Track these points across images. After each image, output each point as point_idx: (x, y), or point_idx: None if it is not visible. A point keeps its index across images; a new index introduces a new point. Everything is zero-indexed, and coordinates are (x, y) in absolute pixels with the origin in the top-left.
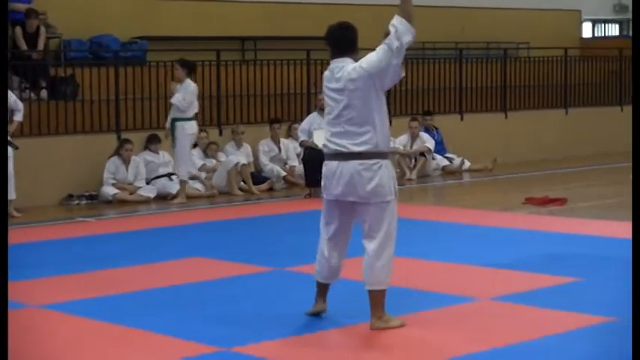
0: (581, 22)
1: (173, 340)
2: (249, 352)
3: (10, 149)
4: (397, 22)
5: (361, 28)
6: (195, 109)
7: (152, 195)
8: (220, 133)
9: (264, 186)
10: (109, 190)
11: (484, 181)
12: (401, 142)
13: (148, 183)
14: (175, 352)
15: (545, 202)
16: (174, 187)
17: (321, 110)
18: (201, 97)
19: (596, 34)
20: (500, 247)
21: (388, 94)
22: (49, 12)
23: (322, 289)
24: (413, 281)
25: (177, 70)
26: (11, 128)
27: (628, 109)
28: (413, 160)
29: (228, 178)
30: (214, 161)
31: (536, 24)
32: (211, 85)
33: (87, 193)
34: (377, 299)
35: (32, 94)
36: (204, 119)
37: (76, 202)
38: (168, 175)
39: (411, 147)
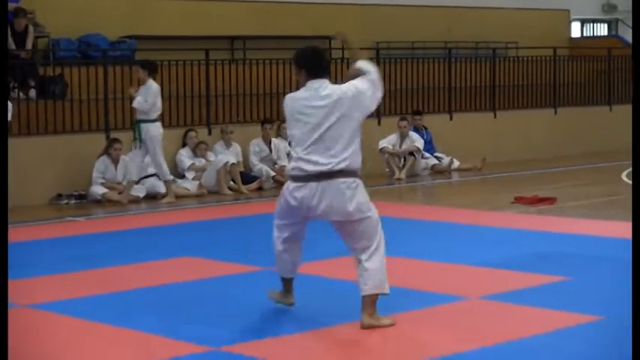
0: (570, 22)
1: (163, 340)
2: (239, 352)
3: None
4: (376, 79)
5: (348, 27)
6: (158, 110)
7: (141, 194)
8: (209, 133)
9: (254, 185)
10: (98, 190)
11: (473, 181)
12: (390, 141)
13: (137, 183)
14: (165, 352)
15: (534, 201)
16: (163, 186)
17: None
18: (190, 97)
19: (584, 34)
20: (489, 247)
21: None
22: (37, 11)
23: (288, 283)
24: (402, 280)
25: (139, 72)
26: None
27: (616, 109)
28: (402, 160)
29: (218, 178)
30: (203, 161)
31: (524, 24)
32: (200, 84)
33: (76, 193)
34: (372, 300)
35: (21, 94)
36: (193, 119)
37: (65, 201)
38: (157, 175)
39: (400, 146)
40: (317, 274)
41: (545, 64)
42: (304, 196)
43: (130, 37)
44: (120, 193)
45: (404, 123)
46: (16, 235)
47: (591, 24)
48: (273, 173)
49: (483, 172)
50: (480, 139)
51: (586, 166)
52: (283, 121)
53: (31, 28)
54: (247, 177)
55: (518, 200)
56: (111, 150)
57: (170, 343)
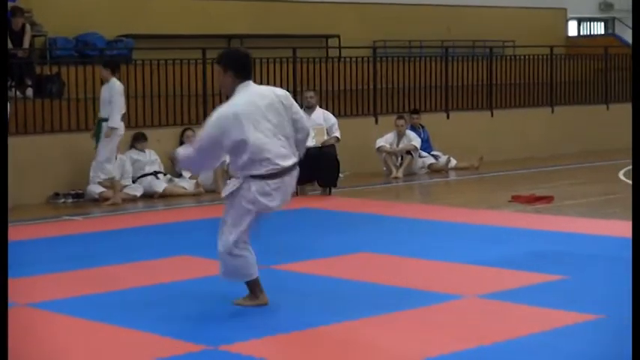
0: (567, 21)
1: (160, 339)
2: (237, 351)
3: None
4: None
5: (346, 26)
6: (122, 109)
7: (138, 193)
8: None
9: None
10: (96, 189)
11: (470, 179)
12: (387, 140)
13: (134, 181)
14: (163, 351)
15: (532, 200)
16: (160, 185)
17: (307, 108)
18: (187, 96)
19: (581, 33)
20: (486, 245)
21: (374, 91)
22: (34, 10)
23: (257, 282)
24: (400, 279)
25: (101, 71)
26: None
27: (613, 107)
28: (399, 159)
29: (215, 177)
30: None
31: (521, 22)
32: (197, 83)
33: (73, 192)
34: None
35: (18, 93)
36: (190, 118)
37: (63, 200)
38: (155, 174)
39: (398, 145)
40: (313, 273)
41: (542, 63)
42: (284, 185)
43: (126, 36)
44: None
45: (401, 122)
46: (13, 234)
47: (588, 22)
48: None
49: (480, 171)
50: (477, 137)
51: (583, 164)
52: None
53: (28, 27)
54: None
55: (516, 199)
56: None
57: (168, 342)
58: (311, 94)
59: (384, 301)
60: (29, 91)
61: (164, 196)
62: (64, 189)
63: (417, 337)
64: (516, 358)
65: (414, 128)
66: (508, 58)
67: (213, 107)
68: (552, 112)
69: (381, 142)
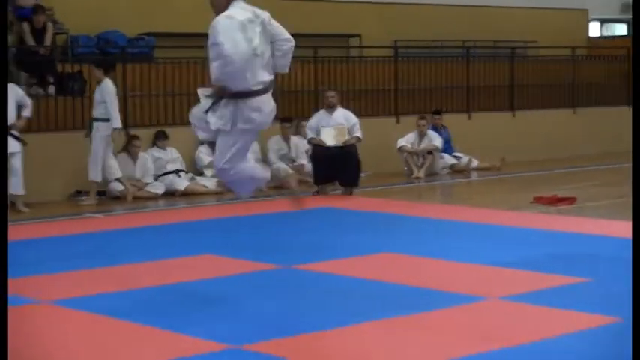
0: (589, 22)
1: (183, 337)
2: (259, 350)
3: (18, 145)
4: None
5: (367, 26)
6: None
7: (160, 192)
8: None
9: (272, 183)
10: (117, 187)
11: (492, 180)
12: (408, 140)
13: (155, 179)
14: (186, 349)
15: (554, 201)
16: (182, 183)
17: (329, 108)
18: None
19: (603, 34)
20: (508, 247)
21: (396, 91)
22: (56, 8)
23: None
24: (421, 280)
25: (94, 71)
26: (20, 124)
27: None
28: (421, 159)
29: None
30: None
31: (543, 23)
32: None
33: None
34: None
35: (40, 90)
36: None
37: (84, 198)
38: (176, 172)
39: (419, 145)
40: (335, 273)
41: (563, 64)
42: (262, 102)
43: (148, 34)
44: (139, 190)
45: (423, 122)
46: (35, 231)
47: (610, 24)
48: (291, 171)
49: (502, 172)
50: (498, 138)
51: (605, 166)
52: (302, 119)
53: (50, 25)
54: None
55: (538, 200)
56: (130, 147)
57: (191, 340)
58: (332, 93)
59: (406, 301)
60: (51, 89)
61: (185, 194)
62: (85, 187)
63: (439, 338)
64: None
65: (435, 129)
66: (530, 58)
67: None
68: (574, 113)
69: (402, 142)
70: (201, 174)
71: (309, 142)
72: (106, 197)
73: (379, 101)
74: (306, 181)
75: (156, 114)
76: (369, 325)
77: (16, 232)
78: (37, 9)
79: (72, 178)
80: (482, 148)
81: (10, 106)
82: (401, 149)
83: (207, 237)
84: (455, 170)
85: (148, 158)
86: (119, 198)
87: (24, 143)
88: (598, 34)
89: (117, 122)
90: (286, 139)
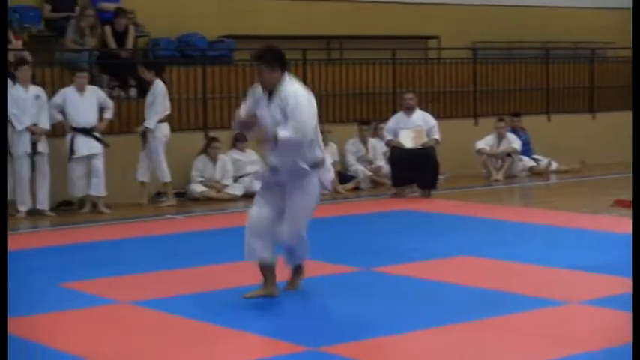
0: None
1: (262, 339)
2: (337, 352)
3: (100, 147)
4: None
5: (444, 27)
6: (166, 110)
7: (239, 193)
8: None
9: (350, 185)
10: (197, 188)
11: (571, 183)
12: (487, 142)
13: (235, 181)
14: (264, 351)
15: None
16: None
17: (407, 110)
18: None
19: None
20: (588, 250)
21: (474, 93)
22: (137, 11)
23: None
24: (500, 283)
25: (144, 73)
26: (101, 126)
27: None
28: (499, 161)
29: None
30: None
31: (623, 24)
32: None
33: (175, 191)
34: None
35: (121, 93)
36: None
37: (164, 199)
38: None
39: (498, 147)
40: (413, 276)
41: None
42: None
43: (228, 37)
44: (218, 192)
45: (501, 124)
46: (116, 232)
47: None
48: (369, 173)
49: (582, 175)
50: (578, 140)
51: None
52: (380, 121)
53: (131, 28)
54: (344, 177)
55: (618, 203)
56: (209, 149)
57: (269, 342)
58: (410, 95)
59: (484, 305)
60: (132, 91)
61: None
62: (166, 188)
63: (519, 342)
64: None
65: (514, 131)
66: (610, 60)
67: None
68: None
69: (481, 144)
70: None
71: (388, 144)
72: (185, 199)
73: (458, 103)
74: (384, 184)
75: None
76: (446, 328)
77: (97, 233)
78: (119, 12)
79: (152, 180)
80: (561, 150)
81: (93, 108)
82: (479, 151)
83: None
84: (534, 173)
85: (228, 160)
86: (199, 200)
87: (105, 145)
88: None
89: (152, 123)
90: (364, 142)
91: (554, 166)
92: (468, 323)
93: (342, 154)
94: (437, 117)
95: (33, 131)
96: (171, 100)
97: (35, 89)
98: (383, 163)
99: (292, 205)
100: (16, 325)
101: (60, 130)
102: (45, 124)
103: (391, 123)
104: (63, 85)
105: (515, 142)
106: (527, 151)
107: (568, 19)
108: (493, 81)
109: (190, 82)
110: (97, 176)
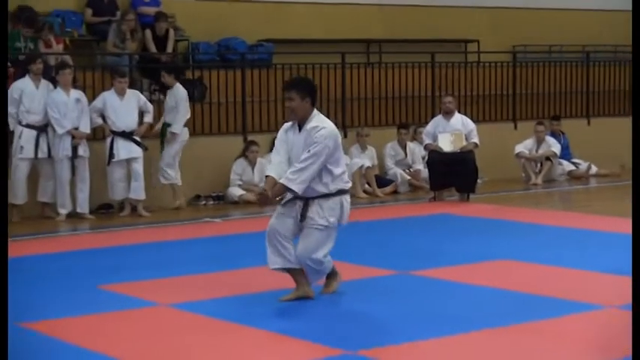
0: None
1: (299, 342)
2: (375, 356)
3: (139, 150)
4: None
5: (482, 31)
6: (188, 114)
7: None
8: (345, 136)
9: (389, 189)
10: (236, 192)
11: (611, 187)
12: (526, 146)
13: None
14: (302, 354)
15: None
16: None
17: (445, 114)
18: (326, 100)
19: None
20: (628, 255)
21: (514, 96)
22: (177, 15)
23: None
24: (539, 288)
25: (165, 77)
26: (141, 130)
27: None
28: (538, 165)
29: (353, 181)
30: None
31: None
32: (336, 87)
33: (214, 194)
34: None
35: (161, 96)
36: None
37: (204, 202)
38: None
39: (537, 151)
40: (452, 280)
41: None
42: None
43: (267, 40)
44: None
45: (541, 127)
46: (155, 235)
47: None
48: (408, 177)
49: (622, 179)
50: (619, 144)
51: None
52: (419, 125)
53: (171, 32)
54: (382, 180)
55: None
56: (248, 152)
57: (307, 345)
58: (449, 99)
59: (523, 309)
60: None
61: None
62: (205, 191)
63: (558, 347)
64: None
65: (554, 134)
66: None
67: (352, 112)
68: None
69: (520, 147)
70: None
71: (426, 147)
72: (224, 202)
73: (497, 107)
74: (422, 187)
75: (274, 119)
76: (485, 332)
77: (136, 236)
78: (159, 16)
79: (191, 183)
80: (601, 154)
81: (132, 112)
82: (518, 155)
83: None
84: (573, 177)
85: (266, 163)
86: (237, 203)
87: (145, 148)
88: None
89: (178, 127)
90: (403, 145)
91: (593, 169)
92: (506, 328)
93: (380, 157)
94: (476, 120)
95: (73, 135)
96: (210, 103)
97: (76, 93)
98: (421, 167)
99: (308, 231)
100: (54, 327)
101: (100, 134)
102: (85, 128)
103: (430, 126)
104: (103, 88)
105: (554, 146)
106: (566, 154)
107: (608, 22)
108: (533, 84)
109: (229, 86)
110: (137, 179)
